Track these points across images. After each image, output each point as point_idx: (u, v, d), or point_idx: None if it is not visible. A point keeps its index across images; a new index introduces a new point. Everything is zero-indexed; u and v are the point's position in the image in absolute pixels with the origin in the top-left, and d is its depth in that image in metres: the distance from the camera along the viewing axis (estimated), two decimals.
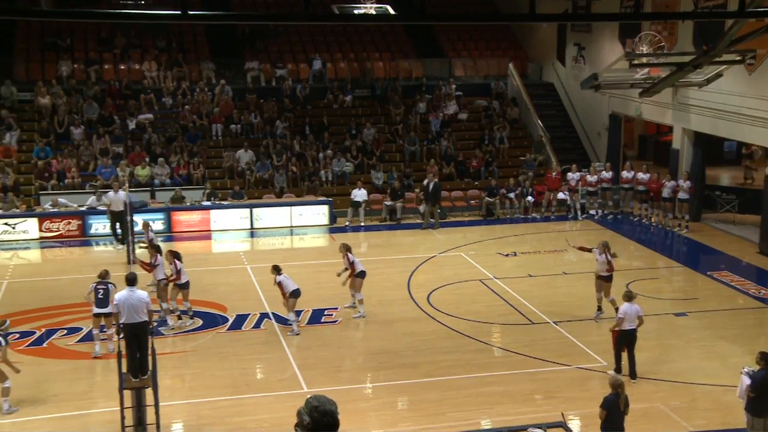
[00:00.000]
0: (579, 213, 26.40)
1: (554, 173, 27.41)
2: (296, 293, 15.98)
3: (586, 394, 13.46)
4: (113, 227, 22.98)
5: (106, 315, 14.65)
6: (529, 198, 26.83)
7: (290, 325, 16.13)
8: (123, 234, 22.31)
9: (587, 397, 13.06)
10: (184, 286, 16.52)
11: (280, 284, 16.06)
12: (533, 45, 34.86)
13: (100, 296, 14.72)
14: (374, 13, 21.80)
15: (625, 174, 26.38)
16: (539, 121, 30.24)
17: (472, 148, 29.41)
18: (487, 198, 26.56)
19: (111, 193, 22.95)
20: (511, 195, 26.58)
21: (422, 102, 30.71)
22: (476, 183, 28.03)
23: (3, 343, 12.82)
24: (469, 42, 34.67)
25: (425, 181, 25.96)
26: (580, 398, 13.39)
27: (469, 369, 14.55)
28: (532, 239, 24.07)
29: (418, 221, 25.80)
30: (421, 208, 25.63)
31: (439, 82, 31.76)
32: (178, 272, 16.32)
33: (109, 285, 14.84)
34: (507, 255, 22.05)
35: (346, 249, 17.09)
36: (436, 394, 13.57)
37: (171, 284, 16.54)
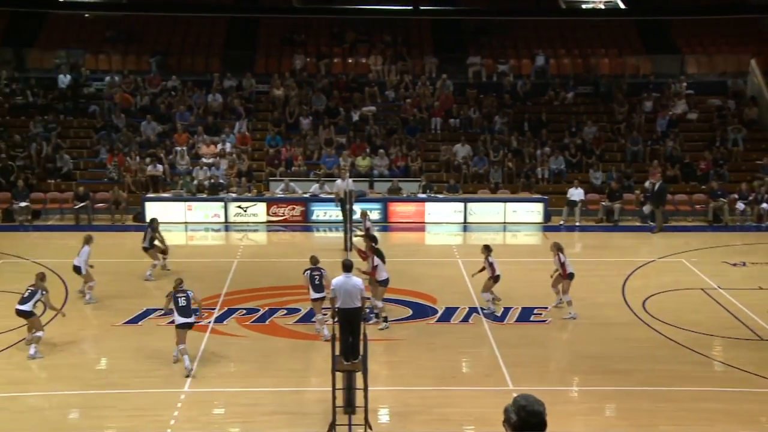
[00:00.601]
0: None
1: None
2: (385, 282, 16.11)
3: None
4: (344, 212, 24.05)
5: (323, 299, 15.29)
6: (764, 205, 24.96)
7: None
8: (343, 219, 23.27)
9: None
10: (383, 284, 16.17)
11: (491, 265, 16.51)
12: None
13: (316, 282, 15.35)
14: (603, 7, 21.17)
15: None
16: None
17: (701, 150, 27.81)
18: (715, 202, 24.98)
19: (339, 181, 24.05)
20: (740, 205, 24.79)
21: (649, 100, 29.45)
22: (703, 187, 26.48)
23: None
24: (705, 37, 32.58)
25: (646, 183, 24.91)
26: None
27: (686, 382, 13.80)
28: (765, 249, 22.34)
29: (637, 224, 24.82)
30: (645, 209, 24.63)
31: (669, 79, 30.32)
32: (375, 267, 16.11)
33: (323, 270, 15.49)
34: (735, 264, 20.66)
35: (558, 248, 16.74)
36: (649, 405, 12.99)
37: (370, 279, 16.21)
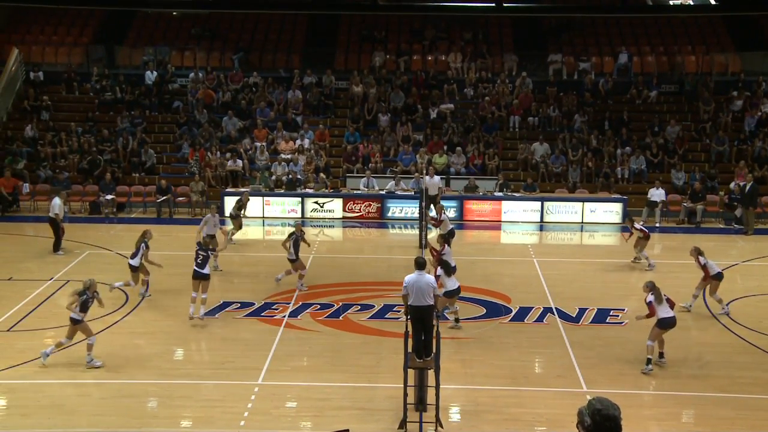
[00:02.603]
0: None
1: None
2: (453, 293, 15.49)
3: None
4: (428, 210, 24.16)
5: None
6: None
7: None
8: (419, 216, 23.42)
9: None
10: (449, 294, 15.44)
11: (705, 266, 16.44)
12: None
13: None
14: (692, 3, 20.58)
15: None
16: None
17: None
18: None
19: (427, 178, 24.15)
20: None
21: (738, 99, 28.54)
22: None
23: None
24: None
25: (732, 184, 24.21)
26: None
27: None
28: None
29: (720, 226, 24.16)
30: (738, 212, 23.96)
31: (760, 77, 29.31)
32: (437, 277, 15.55)
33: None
34: None
35: (698, 252, 16.73)
36: (729, 412, 12.64)
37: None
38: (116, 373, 13.72)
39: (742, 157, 26.49)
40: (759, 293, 18.00)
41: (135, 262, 17.14)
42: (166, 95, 30.33)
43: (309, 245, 18.98)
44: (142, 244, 17.18)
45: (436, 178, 24.46)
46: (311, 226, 24.45)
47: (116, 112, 29.50)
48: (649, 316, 14.15)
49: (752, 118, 27.90)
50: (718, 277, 16.56)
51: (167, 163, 28.28)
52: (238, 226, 21.98)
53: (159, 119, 29.91)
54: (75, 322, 13.77)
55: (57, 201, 21.04)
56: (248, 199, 22.62)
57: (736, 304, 17.28)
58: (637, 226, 19.82)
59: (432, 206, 22.94)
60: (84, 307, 13.80)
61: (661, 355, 14.21)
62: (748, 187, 23.86)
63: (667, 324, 13.97)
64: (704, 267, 16.53)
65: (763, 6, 29.70)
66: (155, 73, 30.79)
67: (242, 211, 22.22)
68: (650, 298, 14.02)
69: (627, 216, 20.55)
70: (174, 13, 33.43)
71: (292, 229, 18.41)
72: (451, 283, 15.39)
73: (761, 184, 25.46)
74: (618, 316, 16.71)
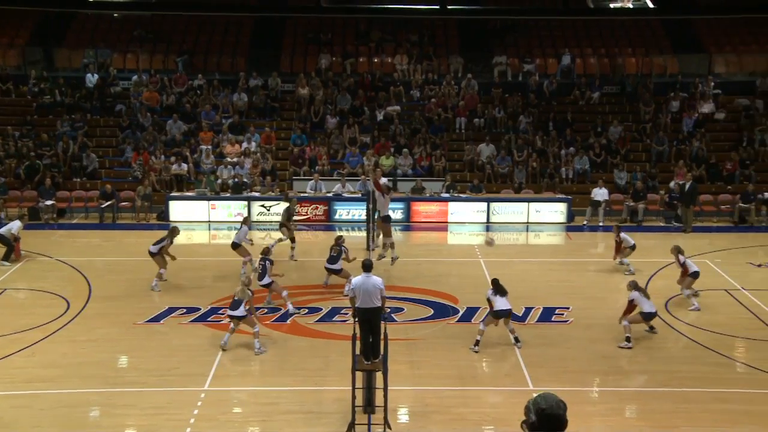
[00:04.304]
0: None
1: None
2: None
3: None
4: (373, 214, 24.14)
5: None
6: None
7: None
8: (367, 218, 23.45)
9: None
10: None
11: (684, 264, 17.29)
12: None
13: (260, 271, 16.76)
14: (632, 7, 20.94)
15: None
16: None
17: (727, 151, 27.54)
18: (741, 204, 24.78)
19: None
20: (765, 196, 24.68)
21: (676, 100, 29.17)
22: (729, 187, 26.22)
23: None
24: (734, 36, 32.22)
25: (671, 183, 24.75)
26: None
27: (707, 383, 13.71)
28: None
29: (660, 224, 24.68)
30: (680, 211, 24.51)
31: (696, 79, 30.02)
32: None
33: (267, 261, 16.71)
34: (759, 265, 20.49)
35: (678, 251, 17.48)
36: (669, 406, 12.91)
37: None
38: (55, 383, 13.42)
39: (681, 157, 27.08)
40: (698, 289, 18.37)
41: (154, 248, 18.25)
42: (108, 98, 29.80)
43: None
44: (167, 239, 18.32)
45: (383, 179, 24.32)
46: (257, 229, 24.27)
47: (56, 116, 28.85)
48: (626, 312, 15.20)
49: (690, 119, 28.54)
50: (695, 275, 17.28)
51: (110, 167, 27.78)
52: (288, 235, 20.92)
53: (101, 123, 29.36)
54: None
55: (17, 223, 20.63)
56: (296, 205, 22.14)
57: (676, 300, 17.66)
58: (623, 235, 19.79)
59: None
60: None
61: (628, 339, 15.04)
62: (687, 186, 24.40)
63: (649, 317, 15.34)
64: (683, 265, 17.29)
65: (698, 10, 30.46)
66: (96, 75, 30.23)
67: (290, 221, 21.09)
68: (633, 295, 15.11)
69: (615, 226, 20.75)
70: (115, 15, 32.85)
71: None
72: (501, 303, 15.06)
73: (700, 183, 26.03)
74: (563, 314, 16.93)
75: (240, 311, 14.70)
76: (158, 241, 18.45)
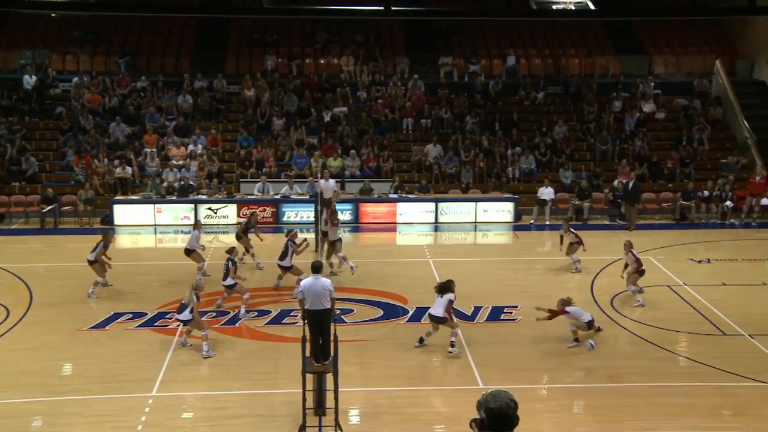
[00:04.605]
0: None
1: (758, 177, 25.73)
2: None
3: None
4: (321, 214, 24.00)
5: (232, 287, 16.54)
6: (729, 203, 25.31)
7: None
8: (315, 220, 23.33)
9: None
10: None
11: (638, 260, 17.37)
12: (745, 40, 32.49)
13: (224, 271, 16.60)
14: (574, 8, 21.21)
15: None
16: (745, 122, 28.40)
17: (668, 149, 28.15)
18: (682, 201, 25.35)
19: (322, 181, 24.00)
20: (705, 193, 25.32)
21: (618, 100, 29.71)
22: (670, 185, 26.80)
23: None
24: (673, 38, 32.98)
25: (615, 182, 25.19)
26: None
27: (650, 377, 13.94)
28: (728, 246, 22.73)
29: (605, 222, 25.10)
30: (624, 209, 24.96)
31: (637, 79, 30.61)
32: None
33: (230, 262, 16.53)
34: (699, 261, 20.98)
35: (630, 246, 17.61)
36: (614, 401, 13.11)
37: None
38: None
39: (624, 156, 27.58)
40: (642, 285, 18.70)
41: (91, 257, 17.74)
42: (47, 100, 29.15)
43: (261, 239, 20.20)
44: (101, 244, 17.83)
45: (331, 181, 24.41)
46: (205, 233, 23.98)
47: None
48: (550, 317, 15.14)
49: (631, 119, 29.08)
50: (642, 272, 17.57)
51: (50, 171, 27.19)
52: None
53: (40, 125, 28.71)
54: None
55: None
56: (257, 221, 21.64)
57: (621, 297, 17.97)
58: (572, 230, 20.01)
59: (325, 210, 22.93)
60: None
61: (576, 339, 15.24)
62: (630, 185, 24.86)
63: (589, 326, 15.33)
64: (638, 260, 17.42)
65: (637, 12, 31.09)
66: (34, 77, 29.54)
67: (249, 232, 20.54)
68: (569, 310, 15.15)
69: (564, 220, 21.02)
70: (53, 15, 32.09)
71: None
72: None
73: (642, 181, 26.54)
74: (512, 313, 17.08)
75: (185, 315, 14.55)
76: (94, 248, 17.96)
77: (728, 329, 16.15)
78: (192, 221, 24.47)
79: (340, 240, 19.72)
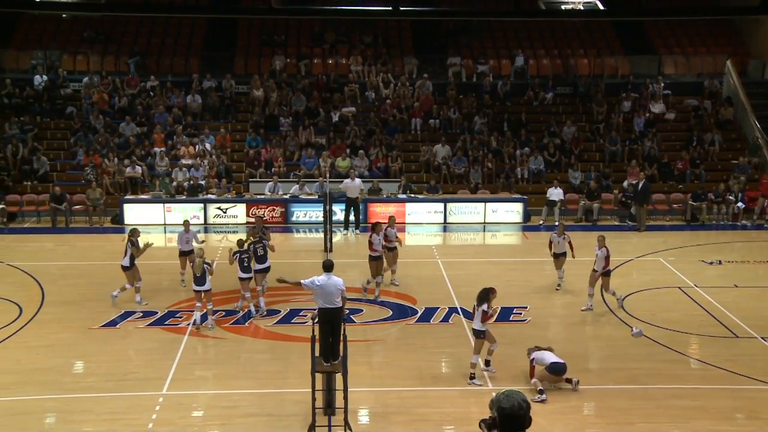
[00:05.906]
0: None
1: None
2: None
3: None
4: (348, 214, 24.08)
5: (249, 279, 16.67)
6: (740, 204, 25.25)
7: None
8: (356, 221, 23.53)
9: None
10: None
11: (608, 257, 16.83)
12: (758, 40, 32.32)
13: (245, 264, 16.53)
14: (583, 8, 21.19)
15: None
16: (757, 123, 28.33)
17: (678, 150, 28.07)
18: (692, 202, 25.29)
19: (348, 180, 23.99)
20: (740, 204, 25.21)
21: (627, 100, 29.66)
22: (680, 186, 26.74)
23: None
24: (683, 38, 32.92)
25: (625, 183, 25.14)
26: None
27: (662, 379, 13.91)
28: (740, 248, 22.68)
29: (615, 223, 25.05)
30: (633, 210, 24.91)
31: (647, 80, 30.54)
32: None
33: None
34: (711, 263, 20.89)
35: (602, 241, 17.22)
36: (625, 403, 13.09)
37: None
38: (9, 390, 13.13)
39: (634, 157, 27.52)
40: (652, 287, 18.72)
41: (125, 262, 17.11)
42: (58, 100, 29.26)
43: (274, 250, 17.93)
44: (128, 243, 17.13)
45: (357, 180, 24.44)
46: (214, 232, 24.06)
47: (4, 118, 28.24)
48: (531, 374, 13.59)
49: (640, 119, 29.03)
50: (608, 273, 17.07)
51: (61, 170, 27.29)
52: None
53: (51, 125, 28.83)
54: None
55: None
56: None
57: (632, 298, 17.93)
58: (566, 234, 18.83)
59: (353, 211, 23.15)
60: None
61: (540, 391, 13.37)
62: (640, 186, 24.81)
63: (556, 369, 13.56)
64: (607, 258, 16.90)
65: (647, 12, 31.00)
66: (45, 77, 29.65)
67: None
68: (533, 356, 13.60)
69: (560, 223, 20.40)
70: (64, 16, 32.21)
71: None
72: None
73: (652, 182, 26.49)
74: (521, 314, 17.07)
75: (208, 284, 15.58)
76: (125, 252, 17.16)
77: (740, 331, 16.10)
78: (201, 221, 24.55)
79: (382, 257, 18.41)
